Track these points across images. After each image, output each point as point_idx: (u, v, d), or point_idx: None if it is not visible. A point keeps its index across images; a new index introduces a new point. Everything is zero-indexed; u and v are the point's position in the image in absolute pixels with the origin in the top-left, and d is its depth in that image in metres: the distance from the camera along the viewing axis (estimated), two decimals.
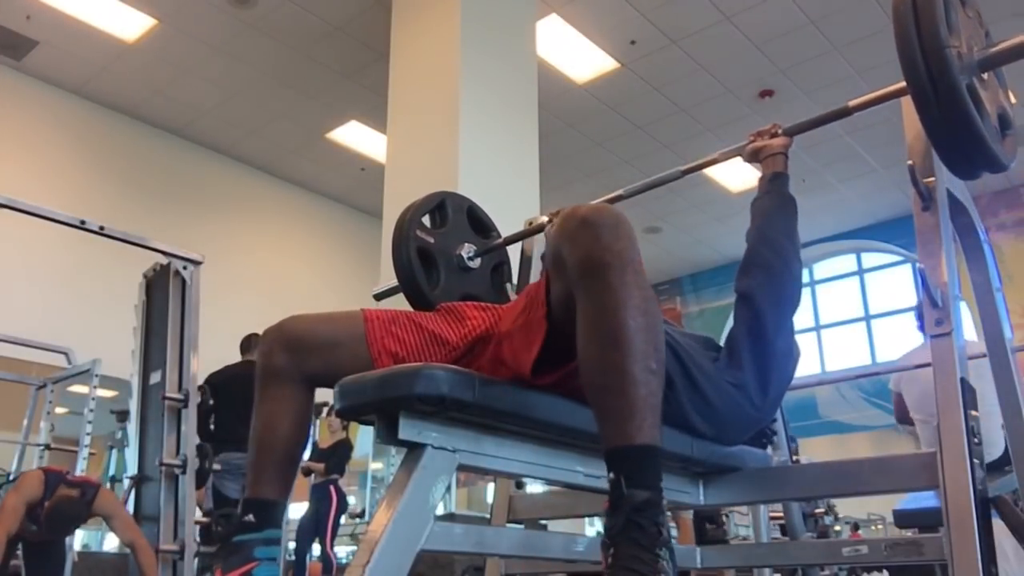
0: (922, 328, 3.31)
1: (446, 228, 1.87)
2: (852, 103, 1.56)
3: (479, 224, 1.95)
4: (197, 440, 3.49)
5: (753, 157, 1.67)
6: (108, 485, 6.01)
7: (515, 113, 5.41)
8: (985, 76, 1.22)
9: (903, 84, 1.22)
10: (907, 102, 1.36)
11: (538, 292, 1.14)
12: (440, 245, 1.83)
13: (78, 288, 6.87)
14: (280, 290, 8.28)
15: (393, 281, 1.86)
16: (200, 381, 3.70)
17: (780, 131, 1.67)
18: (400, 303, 1.71)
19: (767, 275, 1.44)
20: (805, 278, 10.45)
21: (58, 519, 3.24)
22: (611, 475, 0.93)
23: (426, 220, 1.84)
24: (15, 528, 3.18)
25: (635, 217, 9.69)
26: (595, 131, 7.86)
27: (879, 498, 7.96)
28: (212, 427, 4.43)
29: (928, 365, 1.26)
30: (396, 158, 5.41)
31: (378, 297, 2.24)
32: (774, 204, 1.56)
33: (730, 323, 1.48)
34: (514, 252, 2.08)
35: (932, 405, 1.22)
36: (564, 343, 1.04)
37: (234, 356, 4.70)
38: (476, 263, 1.90)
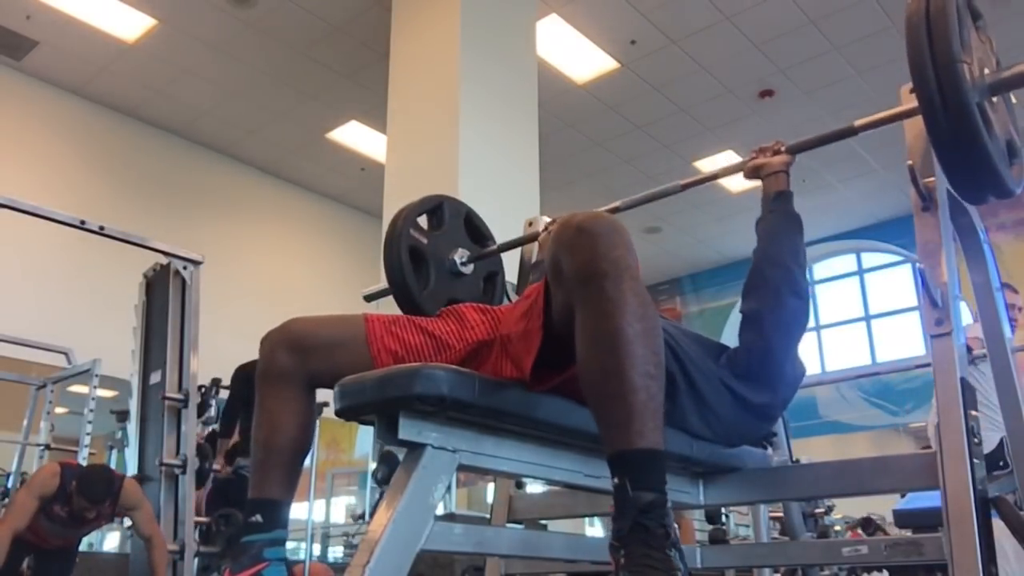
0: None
1: (441, 231, 1.85)
2: (858, 123, 1.52)
3: (476, 231, 1.92)
4: (197, 440, 3.48)
5: (754, 174, 1.64)
6: None
7: (515, 113, 5.41)
8: (995, 100, 1.19)
9: (912, 105, 1.20)
10: (907, 92, 1.36)
11: (536, 299, 1.15)
12: (433, 247, 1.81)
13: (78, 288, 6.86)
14: (280, 290, 8.27)
15: (384, 283, 1.84)
16: (201, 381, 3.69)
17: (783, 148, 1.63)
18: (390, 307, 1.69)
19: (773, 297, 1.42)
20: None
21: (93, 483, 3.04)
22: (615, 479, 0.94)
23: (423, 221, 1.82)
24: (23, 525, 3.01)
25: (635, 217, 9.74)
26: (595, 131, 7.86)
27: (879, 498, 7.96)
28: (239, 421, 4.36)
29: (928, 365, 1.26)
30: (396, 158, 5.41)
31: (368, 298, 2.22)
32: (779, 224, 1.54)
33: (731, 329, 1.48)
34: (512, 258, 2.06)
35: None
36: (564, 349, 1.05)
37: (234, 356, 4.69)
38: (468, 269, 1.88)
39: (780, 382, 1.41)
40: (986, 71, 1.17)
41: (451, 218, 1.87)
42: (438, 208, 1.86)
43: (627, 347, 0.96)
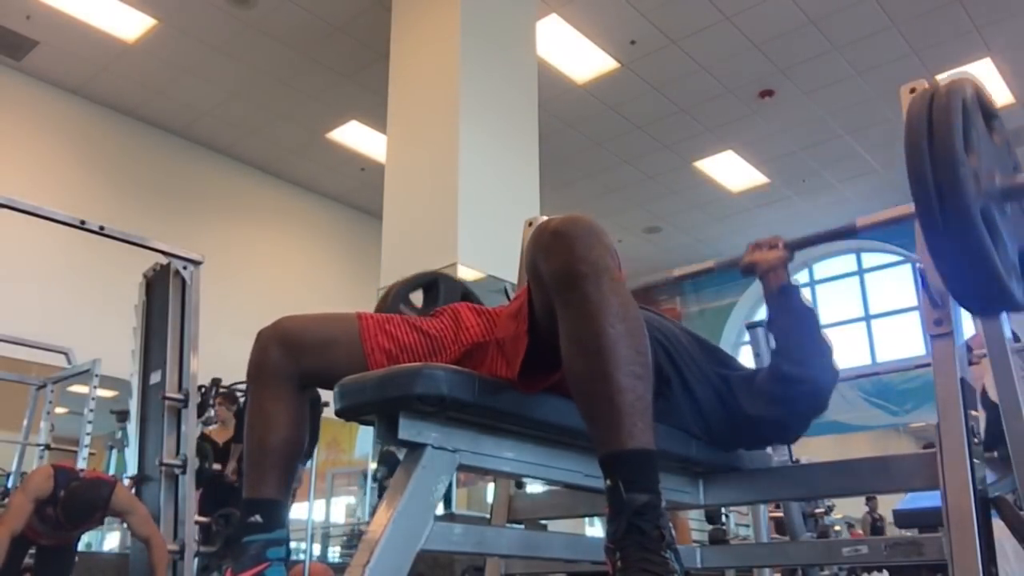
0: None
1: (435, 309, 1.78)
2: (860, 222, 1.46)
3: None
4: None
5: (749, 271, 1.62)
6: None
7: (515, 113, 5.40)
8: (1008, 208, 1.08)
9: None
10: (908, 92, 1.35)
11: (523, 303, 1.14)
12: None
13: (78, 288, 6.86)
14: (280, 290, 8.27)
15: None
16: (201, 381, 3.68)
17: (780, 243, 1.60)
18: None
19: (796, 396, 1.42)
20: (805, 278, 10.46)
21: (76, 505, 3.10)
22: (608, 481, 0.94)
23: (419, 298, 1.75)
24: (20, 527, 3.05)
25: (635, 217, 9.75)
26: (595, 131, 7.86)
27: (879, 498, 7.96)
28: None
29: (928, 365, 1.26)
30: (396, 158, 5.41)
31: None
32: (792, 323, 1.50)
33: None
34: (512, 258, 2.03)
35: None
36: (552, 351, 1.05)
37: (234, 356, 4.69)
38: None
39: (784, 440, 1.43)
40: (998, 176, 1.06)
41: (446, 295, 1.77)
42: (432, 285, 1.78)
43: (611, 348, 0.96)
